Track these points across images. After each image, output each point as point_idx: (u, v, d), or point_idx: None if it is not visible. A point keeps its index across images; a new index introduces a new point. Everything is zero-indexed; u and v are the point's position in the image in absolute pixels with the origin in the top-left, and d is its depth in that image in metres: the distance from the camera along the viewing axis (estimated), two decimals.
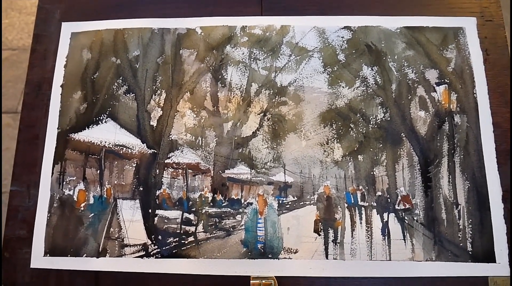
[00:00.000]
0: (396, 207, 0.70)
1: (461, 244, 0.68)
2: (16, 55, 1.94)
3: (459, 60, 0.77)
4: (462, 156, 0.72)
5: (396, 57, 0.78)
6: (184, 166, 0.74)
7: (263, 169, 0.73)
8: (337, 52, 0.79)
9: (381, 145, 0.73)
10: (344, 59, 0.78)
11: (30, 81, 0.80)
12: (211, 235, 0.70)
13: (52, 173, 0.74)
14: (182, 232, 0.70)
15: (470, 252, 0.67)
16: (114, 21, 0.82)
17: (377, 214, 0.70)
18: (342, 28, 0.80)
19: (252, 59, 0.79)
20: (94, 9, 0.84)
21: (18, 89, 1.89)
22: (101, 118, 0.76)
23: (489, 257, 0.67)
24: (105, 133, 0.75)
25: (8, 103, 1.86)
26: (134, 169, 0.74)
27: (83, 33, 0.81)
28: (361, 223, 0.70)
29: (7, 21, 2.02)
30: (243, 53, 0.79)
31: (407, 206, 0.70)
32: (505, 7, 0.82)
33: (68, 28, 0.82)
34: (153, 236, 0.70)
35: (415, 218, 0.70)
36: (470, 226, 0.69)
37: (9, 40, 1.97)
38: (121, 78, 0.78)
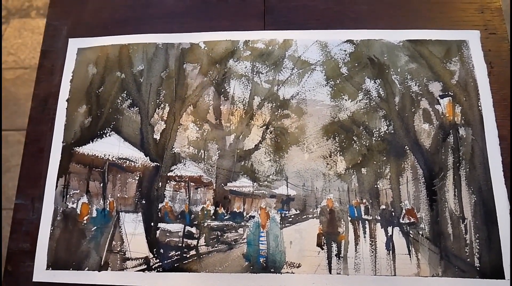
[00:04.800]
0: (401, 221, 0.69)
1: (468, 260, 0.66)
2: (28, 73, 1.99)
3: (463, 72, 0.77)
4: (467, 169, 0.71)
5: (399, 70, 0.78)
6: (187, 179, 0.74)
7: (266, 182, 0.73)
8: (339, 65, 0.79)
9: (384, 158, 0.73)
10: (346, 72, 0.78)
11: (37, 96, 0.82)
12: (213, 249, 0.69)
13: (56, 186, 0.74)
14: (184, 245, 0.70)
15: (478, 268, 0.66)
16: (119, 36, 0.84)
17: (381, 228, 0.69)
18: (345, 42, 0.80)
19: (254, 73, 0.79)
20: (100, 25, 0.86)
21: (29, 107, 1.92)
22: (105, 131, 0.77)
23: (497, 273, 0.65)
24: (109, 147, 0.76)
25: (19, 121, 1.90)
26: (137, 182, 0.74)
27: (89, 48, 0.83)
28: (365, 237, 0.69)
29: (20, 41, 2.07)
30: (245, 67, 0.80)
31: (412, 220, 0.69)
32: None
33: (74, 44, 0.84)
34: (155, 250, 0.70)
35: (420, 232, 0.68)
36: (477, 241, 0.67)
37: (22, 59, 2.02)
38: (125, 92, 0.80)
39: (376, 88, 0.77)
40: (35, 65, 1.96)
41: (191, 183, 0.73)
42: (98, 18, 0.87)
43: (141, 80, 0.80)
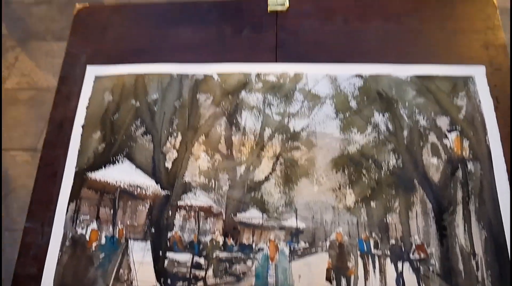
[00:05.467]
0: (411, 256, 0.69)
1: None
2: (41, 95, 2.03)
3: (470, 107, 0.78)
4: (477, 204, 0.71)
5: (407, 104, 0.79)
6: (197, 209, 0.74)
7: (275, 214, 0.73)
8: (349, 99, 0.81)
9: (393, 192, 0.73)
10: (355, 105, 0.80)
11: (53, 120, 0.84)
12: (221, 281, 0.69)
13: (67, 211, 0.75)
14: (191, 276, 0.69)
15: None
16: (136, 66, 0.86)
17: (391, 263, 0.69)
18: (354, 76, 0.82)
19: (266, 105, 0.81)
20: (118, 54, 0.89)
21: (39, 128, 1.96)
22: (118, 158, 0.78)
23: None
24: (121, 173, 0.77)
25: (28, 141, 1.92)
26: (147, 210, 0.74)
27: (106, 76, 0.86)
28: (374, 272, 0.68)
29: (34, 63, 2.13)
30: (257, 99, 0.82)
31: (422, 255, 0.69)
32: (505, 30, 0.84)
33: (92, 71, 0.86)
34: (162, 280, 0.69)
35: (430, 269, 0.68)
36: (490, 278, 0.66)
37: (35, 81, 2.08)
38: (139, 120, 0.81)
39: (384, 122, 0.78)
40: (47, 87, 2.01)
41: (201, 213, 0.74)
42: (117, 47, 0.90)
43: (155, 109, 0.82)
